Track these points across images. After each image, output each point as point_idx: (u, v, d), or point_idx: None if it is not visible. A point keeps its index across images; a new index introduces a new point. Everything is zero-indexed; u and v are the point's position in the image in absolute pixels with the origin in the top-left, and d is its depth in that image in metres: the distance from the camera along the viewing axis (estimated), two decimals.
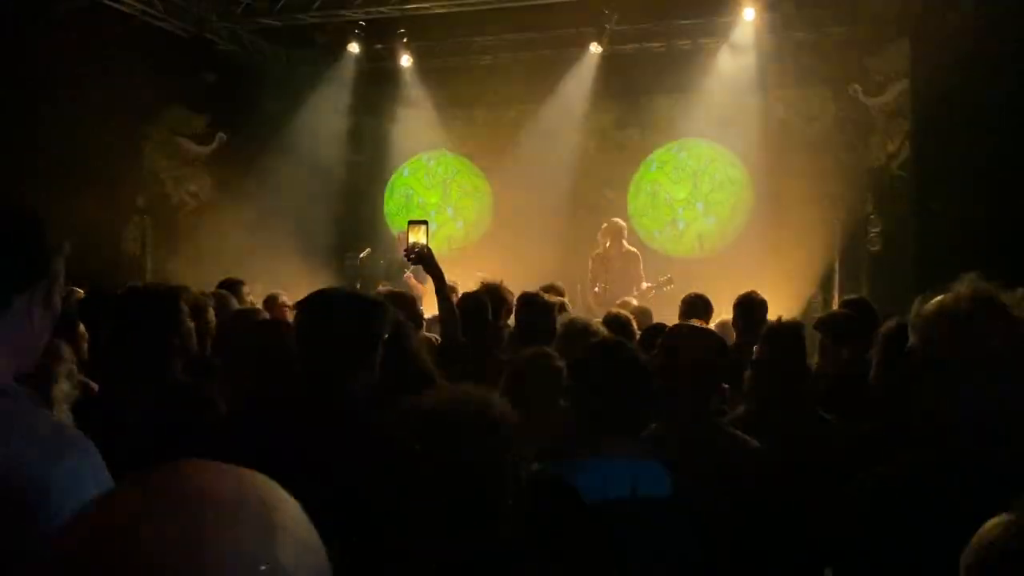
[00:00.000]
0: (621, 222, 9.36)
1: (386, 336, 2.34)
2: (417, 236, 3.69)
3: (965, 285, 1.78)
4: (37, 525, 1.22)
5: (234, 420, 2.44)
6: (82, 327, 3.61)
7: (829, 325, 4.09)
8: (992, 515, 1.24)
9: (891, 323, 2.70)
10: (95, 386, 3.43)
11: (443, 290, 3.67)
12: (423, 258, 3.70)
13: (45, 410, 1.37)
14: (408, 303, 4.09)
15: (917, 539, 1.65)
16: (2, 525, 1.21)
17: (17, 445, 1.27)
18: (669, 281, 8.66)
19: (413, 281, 9.96)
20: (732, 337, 4.87)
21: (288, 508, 0.71)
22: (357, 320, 2.29)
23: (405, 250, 3.73)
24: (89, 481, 1.30)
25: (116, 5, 9.77)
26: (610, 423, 2.05)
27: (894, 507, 1.71)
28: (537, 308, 4.19)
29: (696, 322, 4.60)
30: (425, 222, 3.78)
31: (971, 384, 1.71)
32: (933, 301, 1.79)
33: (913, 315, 1.83)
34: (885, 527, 1.71)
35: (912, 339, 1.80)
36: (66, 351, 2.91)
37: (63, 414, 2.52)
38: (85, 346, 3.59)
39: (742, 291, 5.25)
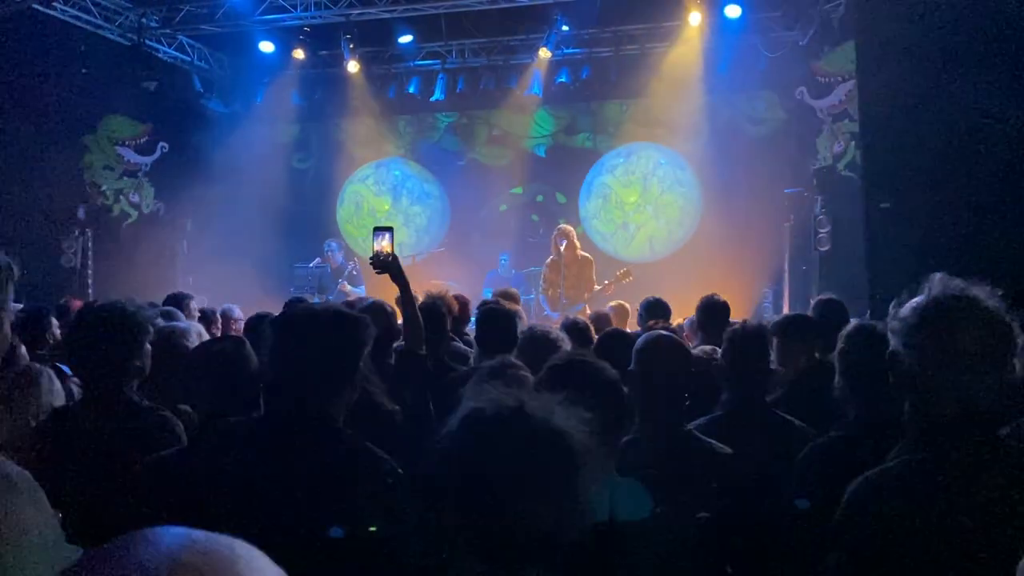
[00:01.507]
0: (569, 227, 9.34)
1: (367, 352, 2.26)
2: (382, 243, 3.57)
3: (937, 285, 1.77)
4: None
5: (210, 444, 2.33)
6: (22, 349, 3.46)
7: (785, 327, 4.09)
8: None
9: (851, 327, 2.69)
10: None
11: (409, 300, 3.57)
12: (389, 266, 3.59)
13: None
14: (385, 316, 3.98)
15: (910, 541, 1.63)
16: None
17: None
18: (627, 274, 8.69)
19: (348, 288, 9.84)
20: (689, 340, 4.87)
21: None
22: (343, 338, 2.21)
23: (371, 258, 3.60)
24: (28, 519, 1.21)
25: (50, 12, 9.47)
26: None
27: (886, 509, 1.69)
28: (498, 317, 4.13)
29: (660, 323, 4.57)
30: (391, 228, 3.65)
31: (956, 384, 1.70)
32: (910, 305, 1.78)
33: (891, 319, 1.82)
34: (877, 529, 1.69)
35: (893, 344, 1.79)
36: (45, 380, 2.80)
37: None
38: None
39: (694, 293, 5.25)
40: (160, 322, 3.99)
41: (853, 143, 9.88)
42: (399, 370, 3.52)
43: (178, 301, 5.80)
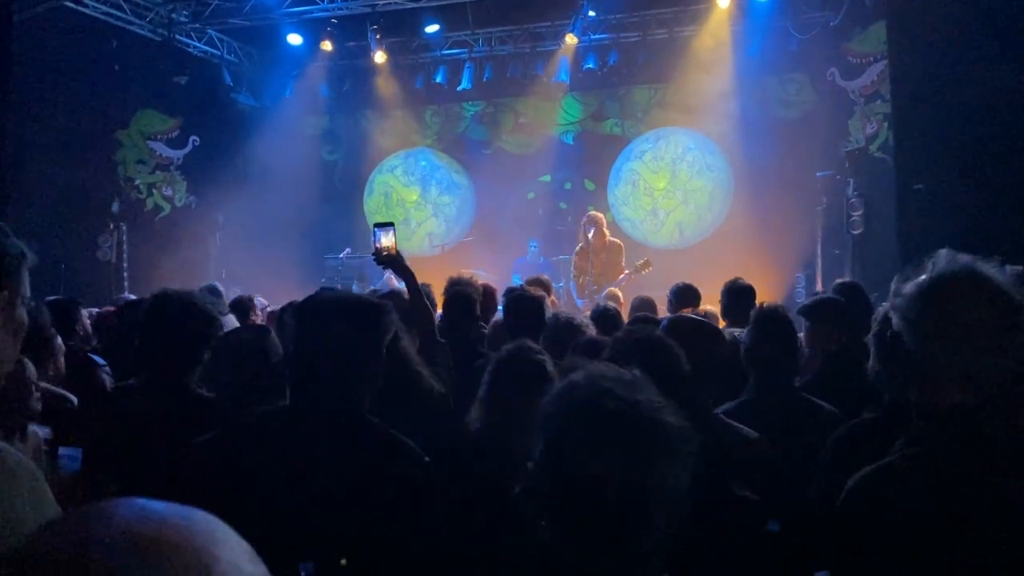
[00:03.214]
0: (599, 214, 9.29)
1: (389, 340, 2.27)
2: (384, 239, 3.67)
3: (941, 261, 1.71)
4: None
5: (234, 433, 2.36)
6: (59, 340, 3.52)
7: (813, 310, 4.04)
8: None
9: (886, 307, 2.63)
10: (73, 398, 3.34)
11: (416, 291, 3.62)
12: (392, 261, 3.67)
13: None
14: (404, 304, 4.02)
15: (910, 534, 1.59)
16: None
17: None
18: (646, 264, 8.58)
19: (393, 279, 9.85)
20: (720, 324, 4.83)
21: (227, 554, 0.63)
22: (363, 325, 2.22)
23: (373, 253, 3.70)
24: (24, 506, 1.24)
25: (82, 8, 9.60)
26: None
27: (884, 501, 1.64)
28: (525, 303, 4.13)
29: (686, 311, 4.55)
30: (392, 224, 3.75)
31: (957, 364, 1.63)
32: (913, 283, 1.71)
33: (893, 296, 1.76)
34: (873, 527, 1.65)
35: (895, 322, 1.73)
36: (31, 372, 2.82)
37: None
38: (62, 359, 3.49)
39: (725, 279, 5.20)
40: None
41: (886, 124, 9.73)
42: (424, 356, 3.54)
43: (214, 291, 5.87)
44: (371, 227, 3.80)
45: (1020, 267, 1.67)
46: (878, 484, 1.69)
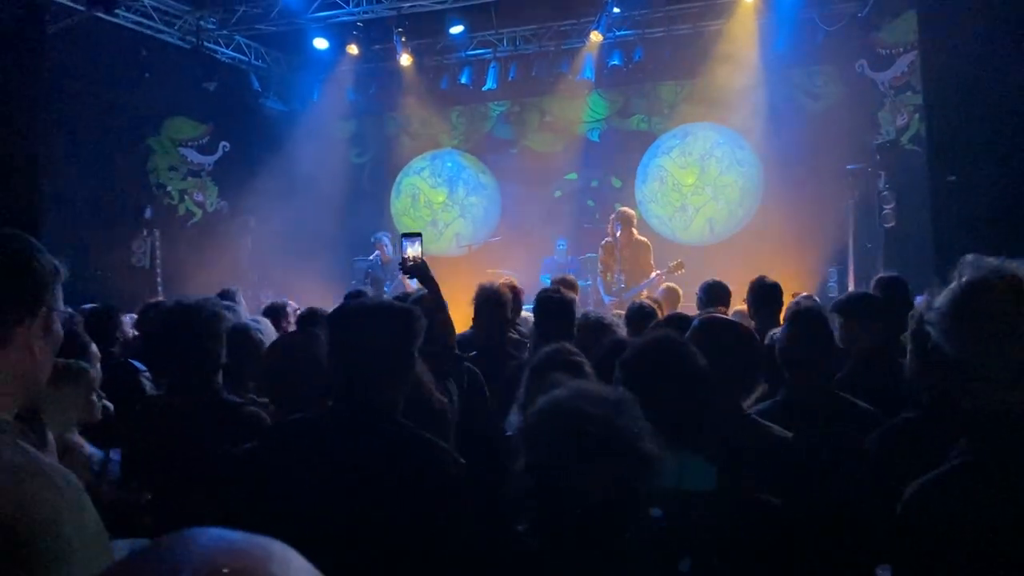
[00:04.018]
0: (630, 210, 9.26)
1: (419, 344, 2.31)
2: (412, 249, 3.74)
3: (968, 268, 1.67)
4: (8, 563, 1.18)
5: (278, 440, 2.40)
6: (95, 348, 3.58)
7: (847, 306, 3.98)
8: None
9: (923, 304, 2.59)
10: (110, 405, 3.40)
11: (439, 301, 3.65)
12: (419, 270, 3.73)
13: (22, 445, 1.33)
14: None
15: (976, 541, 1.57)
16: None
17: None
18: (679, 266, 8.49)
19: (407, 282, 9.85)
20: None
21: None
22: (394, 331, 2.26)
23: (400, 263, 3.77)
24: (64, 517, 1.26)
25: (113, 19, 9.74)
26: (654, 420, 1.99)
27: (943, 515, 1.63)
28: (556, 304, 4.13)
29: (720, 310, 4.53)
30: (419, 235, 3.84)
31: (1001, 373, 1.61)
32: (944, 293, 1.67)
33: (925, 309, 1.74)
34: (933, 537, 1.63)
35: (934, 336, 1.69)
36: (92, 376, 2.90)
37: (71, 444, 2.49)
38: (98, 366, 3.56)
39: (756, 274, 5.16)
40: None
41: (917, 116, 9.60)
42: (435, 367, 3.56)
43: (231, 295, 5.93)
44: (399, 237, 3.87)
45: None
46: (941, 492, 1.67)
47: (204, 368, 2.85)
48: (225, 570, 0.62)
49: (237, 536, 0.67)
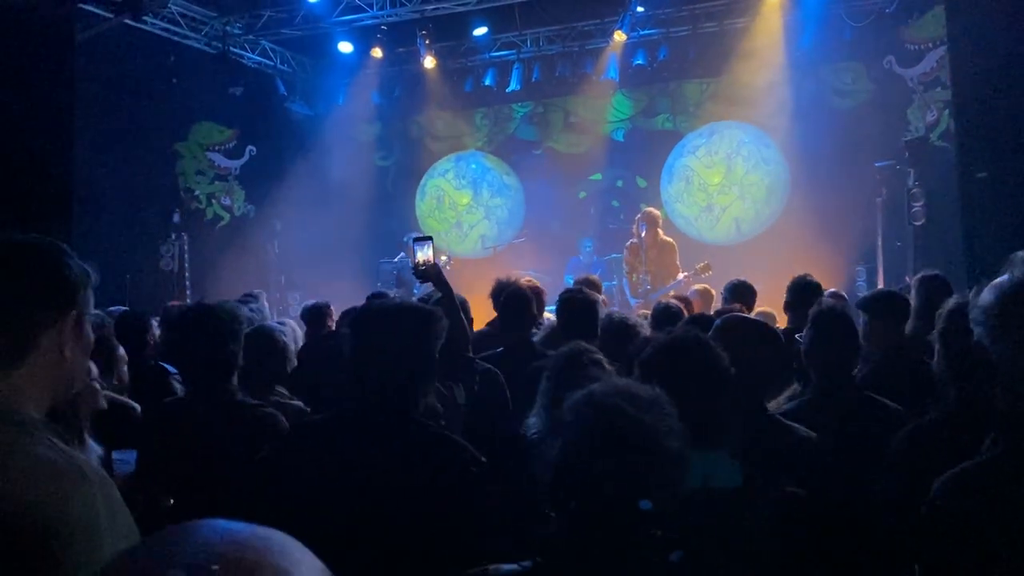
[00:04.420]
0: (656, 211, 9.22)
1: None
2: (423, 253, 3.75)
3: (1020, 266, 1.66)
4: (45, 560, 1.19)
5: (300, 440, 2.42)
6: (121, 350, 3.62)
7: (873, 305, 3.94)
8: None
9: (950, 304, 2.55)
10: (136, 406, 3.44)
11: (452, 304, 3.65)
12: (431, 275, 3.75)
13: (55, 442, 1.35)
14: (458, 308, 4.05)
15: (1004, 533, 1.55)
16: (7, 562, 1.18)
17: (17, 479, 1.24)
18: (707, 268, 8.42)
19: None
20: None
21: (303, 574, 0.66)
22: (416, 332, 2.27)
23: (412, 267, 3.78)
24: (99, 514, 1.28)
25: (141, 26, 9.86)
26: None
27: (972, 508, 1.61)
28: (579, 305, 4.12)
29: (741, 309, 4.49)
30: (430, 238, 3.86)
31: None
32: (990, 289, 1.66)
33: (971, 307, 1.71)
34: (961, 529, 1.61)
35: (977, 333, 1.68)
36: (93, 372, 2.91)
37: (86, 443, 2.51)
38: (124, 368, 3.60)
39: (784, 273, 5.12)
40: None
41: (947, 112, 9.46)
42: (448, 370, 3.56)
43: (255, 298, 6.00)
44: (411, 242, 3.89)
45: None
46: (969, 483, 1.66)
47: (220, 369, 2.86)
48: (215, 567, 0.62)
49: (239, 527, 0.67)
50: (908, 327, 3.95)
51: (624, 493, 1.51)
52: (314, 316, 5.88)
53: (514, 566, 1.62)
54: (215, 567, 0.62)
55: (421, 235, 3.98)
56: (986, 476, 1.64)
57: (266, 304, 6.10)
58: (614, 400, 1.58)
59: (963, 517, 1.62)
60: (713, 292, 7.04)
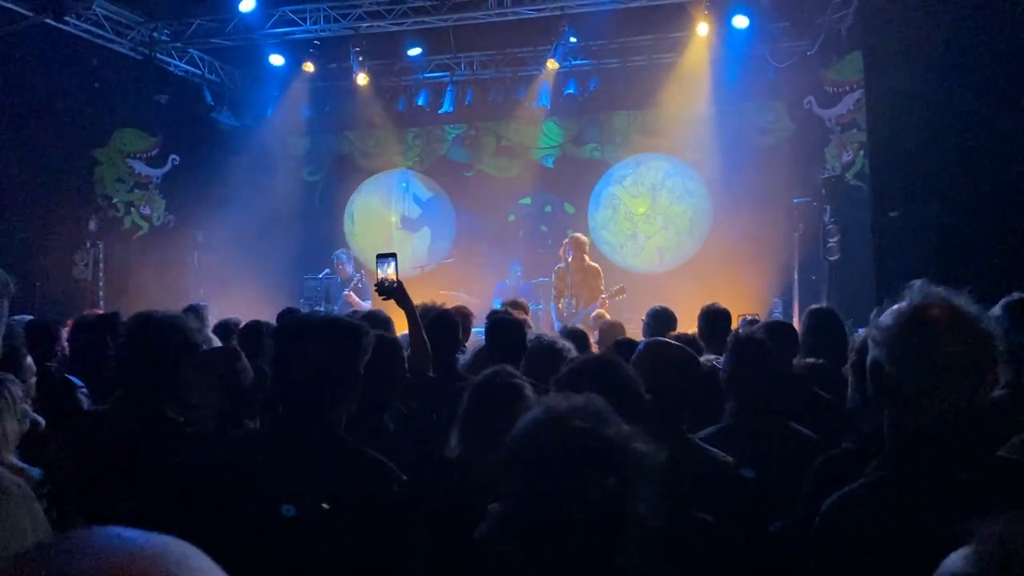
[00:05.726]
0: (583, 236, 9.36)
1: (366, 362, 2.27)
2: (387, 270, 3.70)
3: (917, 293, 1.74)
4: None
5: (221, 455, 2.34)
6: (30, 360, 3.47)
7: (766, 333, 4.08)
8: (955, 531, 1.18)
9: (861, 336, 2.65)
10: (42, 420, 3.30)
11: (415, 323, 3.63)
12: (394, 292, 3.70)
13: None
14: (383, 325, 4.01)
15: (881, 560, 1.60)
16: None
17: None
18: (621, 291, 8.69)
19: (354, 299, 9.76)
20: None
21: None
22: (341, 346, 2.23)
23: (376, 284, 3.72)
24: (27, 531, 1.23)
25: (63, 27, 9.56)
26: None
27: (857, 528, 1.66)
28: (506, 327, 4.13)
29: (671, 335, 4.56)
30: (394, 255, 3.78)
31: (936, 394, 1.67)
32: (890, 313, 1.74)
33: (871, 327, 1.79)
34: (849, 548, 1.66)
35: (873, 353, 1.76)
36: (16, 391, 2.79)
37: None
38: (32, 380, 3.44)
39: (704, 303, 5.26)
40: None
41: (862, 152, 9.86)
42: (407, 387, 3.54)
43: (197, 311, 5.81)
44: (375, 257, 3.82)
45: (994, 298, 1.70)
46: (846, 509, 1.71)
47: (163, 389, 2.74)
48: (119, 569, 0.60)
49: (134, 535, 0.64)
50: (797, 357, 4.15)
51: (598, 517, 1.40)
52: (224, 333, 5.75)
53: None
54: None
55: (385, 252, 3.89)
56: (874, 497, 1.70)
57: (209, 318, 5.93)
58: (566, 420, 1.47)
59: (848, 538, 1.66)
60: (618, 324, 7.08)
